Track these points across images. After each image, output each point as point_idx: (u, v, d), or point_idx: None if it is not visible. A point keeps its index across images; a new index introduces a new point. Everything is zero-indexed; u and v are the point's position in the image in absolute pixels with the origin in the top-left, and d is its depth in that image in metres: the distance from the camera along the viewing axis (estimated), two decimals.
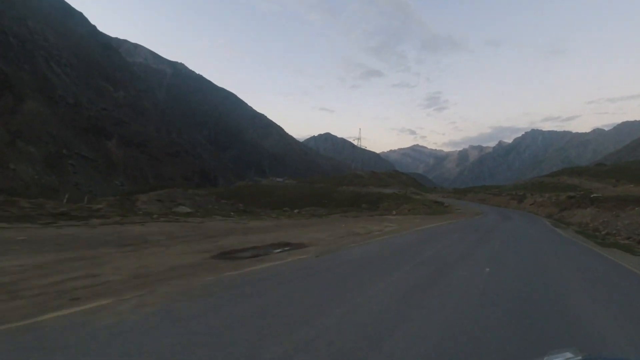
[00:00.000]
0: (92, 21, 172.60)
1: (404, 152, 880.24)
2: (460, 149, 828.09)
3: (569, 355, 1.21)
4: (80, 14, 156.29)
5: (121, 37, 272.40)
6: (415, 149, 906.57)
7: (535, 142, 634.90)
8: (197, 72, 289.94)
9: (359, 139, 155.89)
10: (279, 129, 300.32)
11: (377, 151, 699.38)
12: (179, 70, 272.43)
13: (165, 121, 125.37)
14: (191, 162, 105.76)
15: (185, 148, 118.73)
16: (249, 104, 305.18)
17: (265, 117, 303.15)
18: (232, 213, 16.68)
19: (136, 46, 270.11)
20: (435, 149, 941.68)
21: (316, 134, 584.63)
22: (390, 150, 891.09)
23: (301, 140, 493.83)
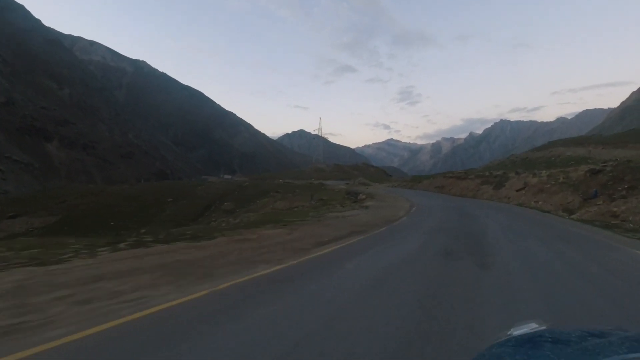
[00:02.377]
0: (37, 15, 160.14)
1: (378, 147, 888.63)
2: (433, 141, 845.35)
3: (534, 325, 1.26)
4: (22, 6, 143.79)
5: (75, 34, 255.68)
6: (390, 143, 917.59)
7: (504, 132, 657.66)
8: (161, 70, 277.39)
9: (319, 129, 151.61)
10: (249, 127, 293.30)
11: (352, 146, 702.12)
12: (140, 69, 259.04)
13: (121, 121, 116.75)
14: (148, 163, 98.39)
15: (144, 149, 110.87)
16: (218, 102, 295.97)
17: (235, 115, 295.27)
18: None
19: (92, 43, 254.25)
20: (410, 143, 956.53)
21: (290, 131, 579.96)
22: (365, 145, 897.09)
23: (275, 138, 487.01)
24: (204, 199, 38.23)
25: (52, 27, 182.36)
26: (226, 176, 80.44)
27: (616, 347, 0.82)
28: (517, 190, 28.78)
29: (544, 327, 1.23)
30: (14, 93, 76.99)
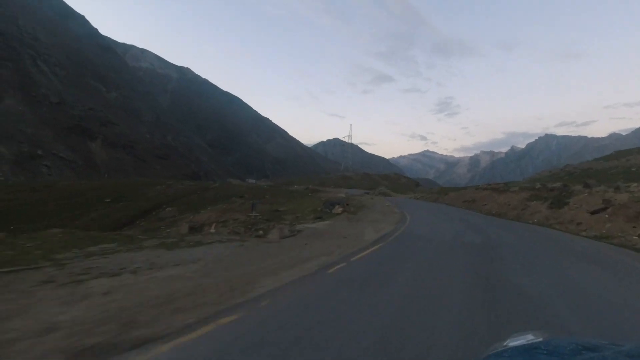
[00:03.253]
0: (95, 24, 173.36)
1: (414, 158, 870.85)
2: (471, 154, 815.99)
3: (530, 337, 1.26)
4: (82, 16, 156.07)
5: (128, 42, 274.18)
6: (426, 154, 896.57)
7: (549, 147, 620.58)
8: (203, 76, 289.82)
9: (349, 136, 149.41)
10: (284, 133, 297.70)
11: (387, 157, 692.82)
12: (184, 75, 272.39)
13: (161, 124, 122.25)
14: (182, 164, 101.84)
15: (180, 151, 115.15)
16: (255, 108, 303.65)
17: (270, 121, 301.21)
18: None
19: (143, 51, 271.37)
20: (446, 155, 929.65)
21: (325, 139, 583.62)
22: (400, 156, 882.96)
23: (310, 146, 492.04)
24: (151, 201, 33.68)
25: (108, 35, 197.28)
26: (250, 180, 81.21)
27: None
28: (593, 213, 17.64)
29: (540, 339, 1.22)
30: (66, 94, 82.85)
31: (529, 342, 1.20)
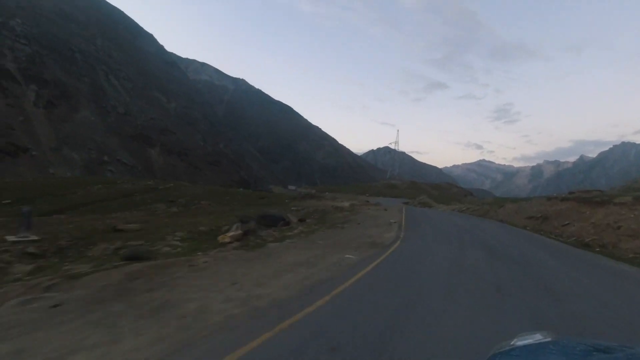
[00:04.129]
0: (161, 42, 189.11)
1: (468, 167, 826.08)
2: (533, 164, 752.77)
3: (538, 336, 1.22)
4: (151, 35, 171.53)
5: (191, 57, 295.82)
6: (481, 164, 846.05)
7: (627, 156, 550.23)
8: (257, 86, 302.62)
9: (395, 142, 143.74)
10: (333, 141, 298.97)
11: (439, 166, 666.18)
12: (239, 86, 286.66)
13: (215, 132, 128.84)
14: (232, 171, 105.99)
15: (231, 158, 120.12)
16: (305, 116, 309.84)
17: (319, 129, 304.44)
18: None
19: (203, 65, 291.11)
20: (504, 164, 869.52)
21: (375, 148, 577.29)
22: (454, 165, 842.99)
23: (360, 154, 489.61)
24: (61, 204, 28.43)
25: (173, 51, 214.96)
26: (291, 187, 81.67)
27: None
28: None
29: (548, 339, 1.18)
30: (132, 105, 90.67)
31: (537, 341, 1.16)
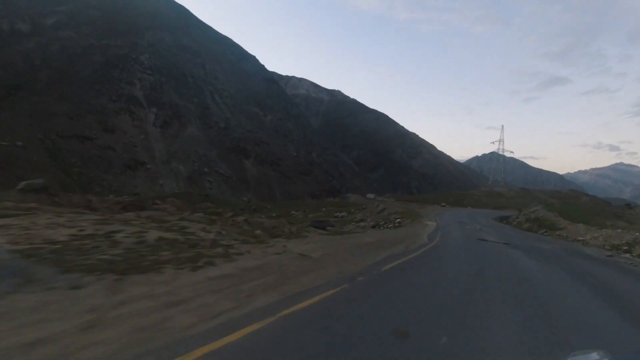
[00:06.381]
0: (263, 62, 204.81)
1: (599, 173, 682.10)
2: None
3: (595, 356, 1.18)
4: (254, 57, 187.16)
5: (290, 74, 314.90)
6: (617, 168, 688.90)
7: None
8: (352, 97, 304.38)
9: (500, 141, 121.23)
10: (431, 148, 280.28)
11: (560, 172, 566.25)
12: (335, 97, 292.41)
13: (308, 142, 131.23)
14: (323, 180, 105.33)
15: (323, 167, 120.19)
16: (401, 123, 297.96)
17: (417, 135, 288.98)
18: None
19: (301, 80, 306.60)
20: None
21: (480, 154, 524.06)
22: (579, 171, 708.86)
23: (463, 161, 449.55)
24: None
25: (273, 70, 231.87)
26: (369, 195, 75.52)
27: None
28: None
29: (605, 359, 1.12)
30: (231, 120, 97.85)
31: None
